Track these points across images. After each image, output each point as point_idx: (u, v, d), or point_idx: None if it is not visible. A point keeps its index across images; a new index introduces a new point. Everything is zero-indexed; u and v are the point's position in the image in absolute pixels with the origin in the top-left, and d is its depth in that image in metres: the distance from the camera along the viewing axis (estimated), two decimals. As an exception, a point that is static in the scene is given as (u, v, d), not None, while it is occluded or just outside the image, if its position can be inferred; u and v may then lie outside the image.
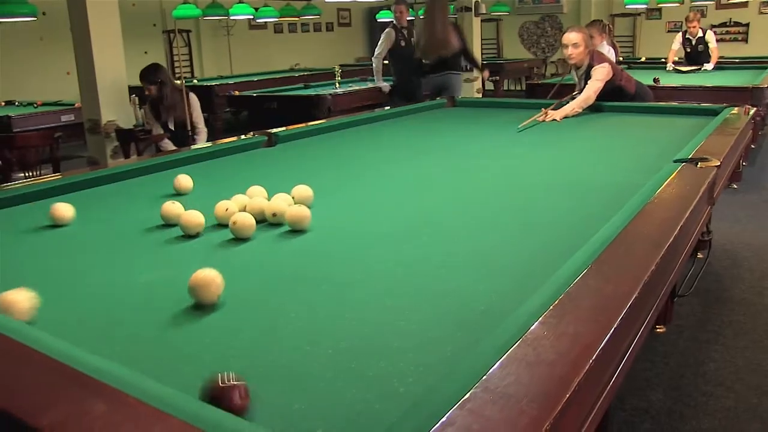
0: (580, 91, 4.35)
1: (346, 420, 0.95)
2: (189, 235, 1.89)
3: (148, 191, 2.47)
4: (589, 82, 4.26)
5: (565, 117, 4.01)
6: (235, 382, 0.98)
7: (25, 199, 2.37)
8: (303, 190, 2.13)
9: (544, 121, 3.90)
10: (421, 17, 7.01)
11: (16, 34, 9.20)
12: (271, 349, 1.19)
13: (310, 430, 0.93)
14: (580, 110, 4.13)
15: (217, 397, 0.98)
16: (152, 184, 2.60)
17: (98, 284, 1.55)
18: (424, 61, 6.78)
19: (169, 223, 2.00)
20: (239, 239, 1.83)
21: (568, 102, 4.19)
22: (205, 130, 5.17)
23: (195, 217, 1.90)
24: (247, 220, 1.85)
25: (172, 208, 2.02)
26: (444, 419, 0.83)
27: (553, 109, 4.07)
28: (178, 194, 2.41)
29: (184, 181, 2.44)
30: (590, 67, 4.33)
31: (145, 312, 1.38)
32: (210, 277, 1.38)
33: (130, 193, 2.49)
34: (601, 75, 4.24)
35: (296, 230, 1.89)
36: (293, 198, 2.10)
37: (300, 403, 1.00)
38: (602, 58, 4.45)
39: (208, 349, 1.20)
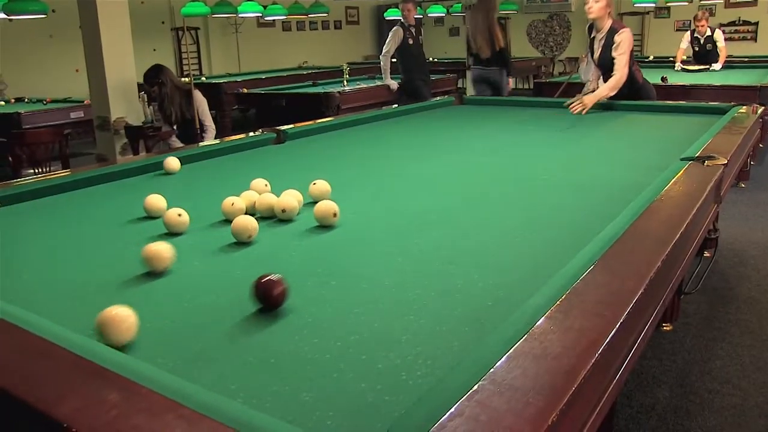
0: (600, 58, 4.35)
1: (356, 410, 0.97)
2: (174, 233, 1.88)
3: (156, 188, 2.49)
4: (616, 57, 4.23)
5: (598, 101, 4.08)
6: (279, 280, 1.33)
7: (35, 195, 2.39)
8: (322, 185, 2.16)
9: (581, 111, 3.96)
10: (470, 15, 7.12)
11: (26, 31, 9.26)
12: (281, 341, 1.21)
13: (320, 420, 0.95)
14: (613, 93, 4.16)
15: (264, 285, 1.32)
16: (159, 181, 2.62)
17: (107, 281, 1.57)
18: (481, 56, 6.84)
19: (152, 216, 2.05)
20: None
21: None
22: (213, 127, 5.19)
23: (174, 214, 1.89)
24: (250, 224, 1.80)
25: (155, 201, 2.07)
26: (452, 410, 0.85)
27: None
28: (168, 174, 2.73)
29: (172, 162, 2.74)
30: (612, 31, 4.29)
31: (153, 306, 1.40)
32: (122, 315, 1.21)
33: (138, 190, 2.51)
34: (625, 45, 4.22)
35: (321, 225, 1.91)
36: (313, 184, 2.15)
37: (309, 393, 1.02)
38: (623, 24, 4.45)
39: (217, 342, 1.22)
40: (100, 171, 2.65)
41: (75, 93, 8.27)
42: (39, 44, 9.69)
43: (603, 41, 4.36)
